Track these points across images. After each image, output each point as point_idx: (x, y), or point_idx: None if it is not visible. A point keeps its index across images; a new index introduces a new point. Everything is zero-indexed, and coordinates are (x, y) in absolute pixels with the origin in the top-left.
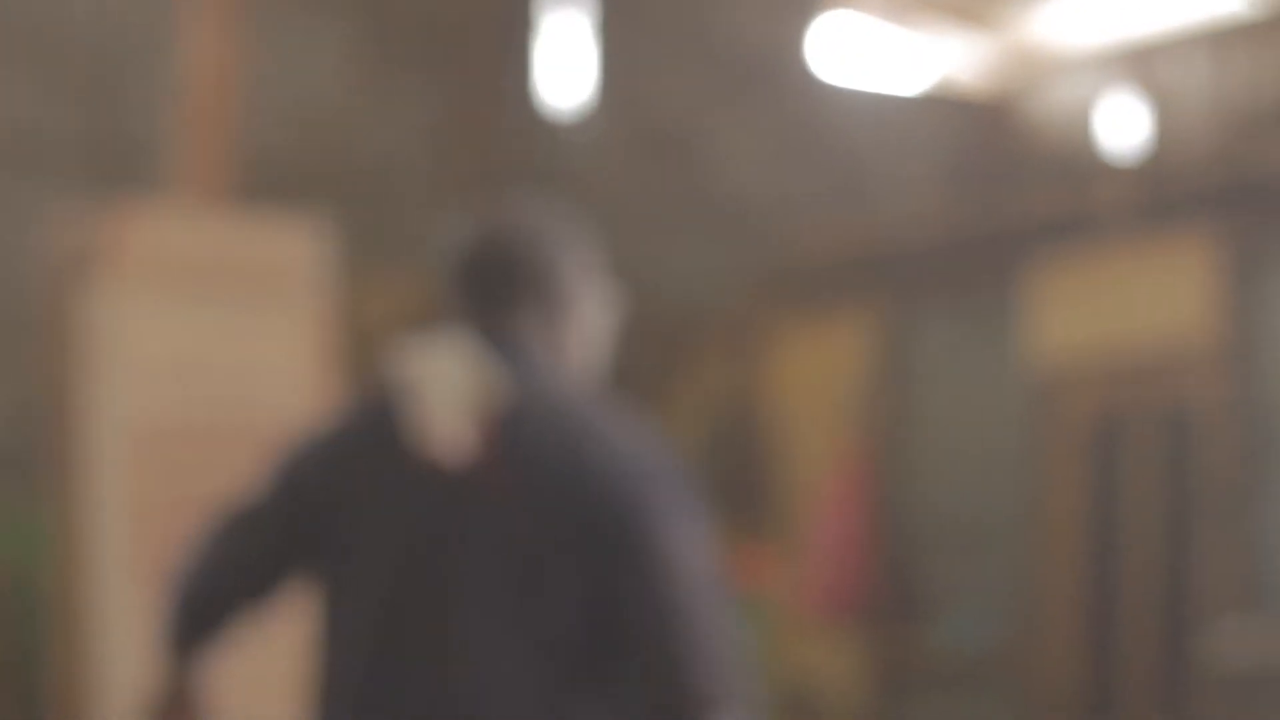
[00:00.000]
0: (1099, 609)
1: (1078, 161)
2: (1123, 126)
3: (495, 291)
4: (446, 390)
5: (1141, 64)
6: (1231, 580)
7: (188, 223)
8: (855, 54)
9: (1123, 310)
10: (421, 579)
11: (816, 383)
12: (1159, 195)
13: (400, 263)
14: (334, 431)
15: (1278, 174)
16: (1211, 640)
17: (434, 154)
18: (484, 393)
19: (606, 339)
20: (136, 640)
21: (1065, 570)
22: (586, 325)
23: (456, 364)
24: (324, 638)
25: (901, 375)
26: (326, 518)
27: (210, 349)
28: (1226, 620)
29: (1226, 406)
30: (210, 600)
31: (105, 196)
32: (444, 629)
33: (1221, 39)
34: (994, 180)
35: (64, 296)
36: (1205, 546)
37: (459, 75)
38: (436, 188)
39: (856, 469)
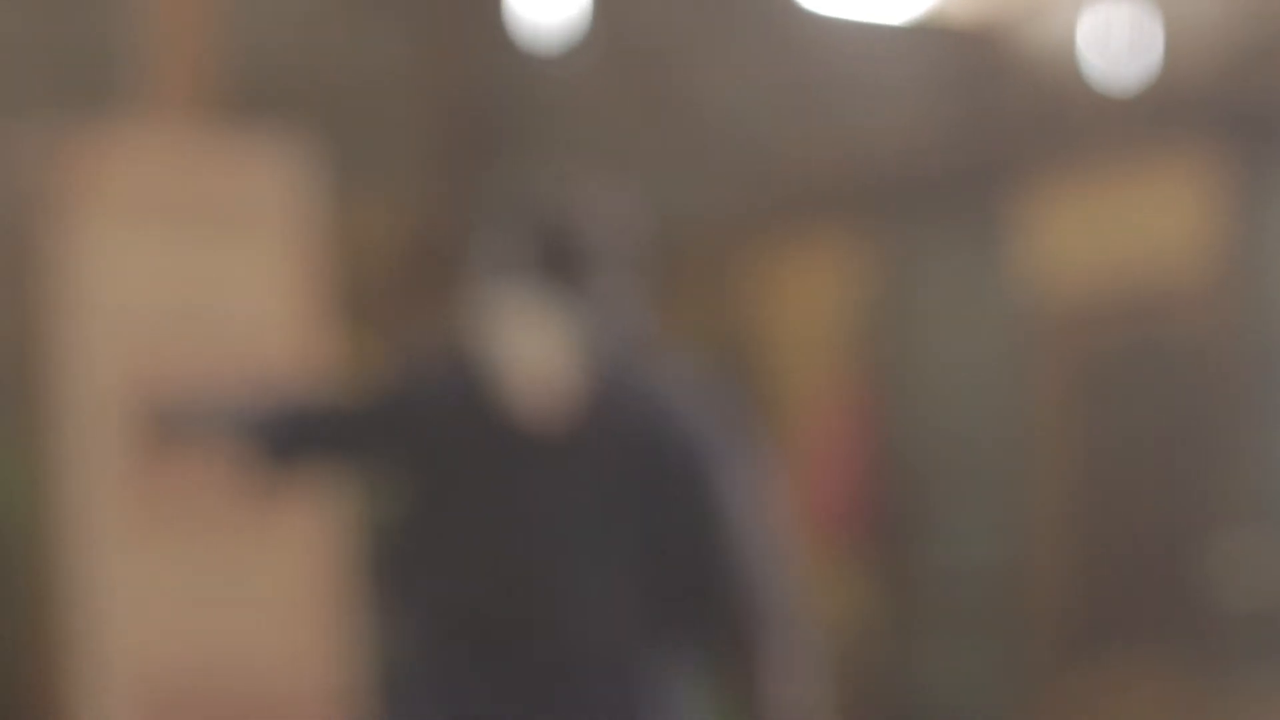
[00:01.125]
0: (1096, 536)
1: (1074, 88)
2: (1122, 51)
3: (572, 268)
4: (539, 359)
5: None
6: (1228, 507)
7: (164, 150)
8: None
9: (1121, 237)
10: (522, 528)
11: (811, 313)
12: (1158, 121)
13: (383, 189)
14: (430, 379)
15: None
16: (1207, 567)
17: (415, 83)
18: (571, 362)
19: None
20: (111, 581)
21: (1062, 499)
22: (635, 290)
23: (545, 336)
24: (405, 563)
25: (896, 307)
26: (418, 450)
27: (189, 283)
28: (1221, 547)
29: (1225, 334)
30: (289, 446)
31: (73, 116)
32: (543, 569)
33: None
34: (988, 109)
35: (30, 232)
36: (1203, 472)
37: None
38: (418, 117)
39: (852, 401)
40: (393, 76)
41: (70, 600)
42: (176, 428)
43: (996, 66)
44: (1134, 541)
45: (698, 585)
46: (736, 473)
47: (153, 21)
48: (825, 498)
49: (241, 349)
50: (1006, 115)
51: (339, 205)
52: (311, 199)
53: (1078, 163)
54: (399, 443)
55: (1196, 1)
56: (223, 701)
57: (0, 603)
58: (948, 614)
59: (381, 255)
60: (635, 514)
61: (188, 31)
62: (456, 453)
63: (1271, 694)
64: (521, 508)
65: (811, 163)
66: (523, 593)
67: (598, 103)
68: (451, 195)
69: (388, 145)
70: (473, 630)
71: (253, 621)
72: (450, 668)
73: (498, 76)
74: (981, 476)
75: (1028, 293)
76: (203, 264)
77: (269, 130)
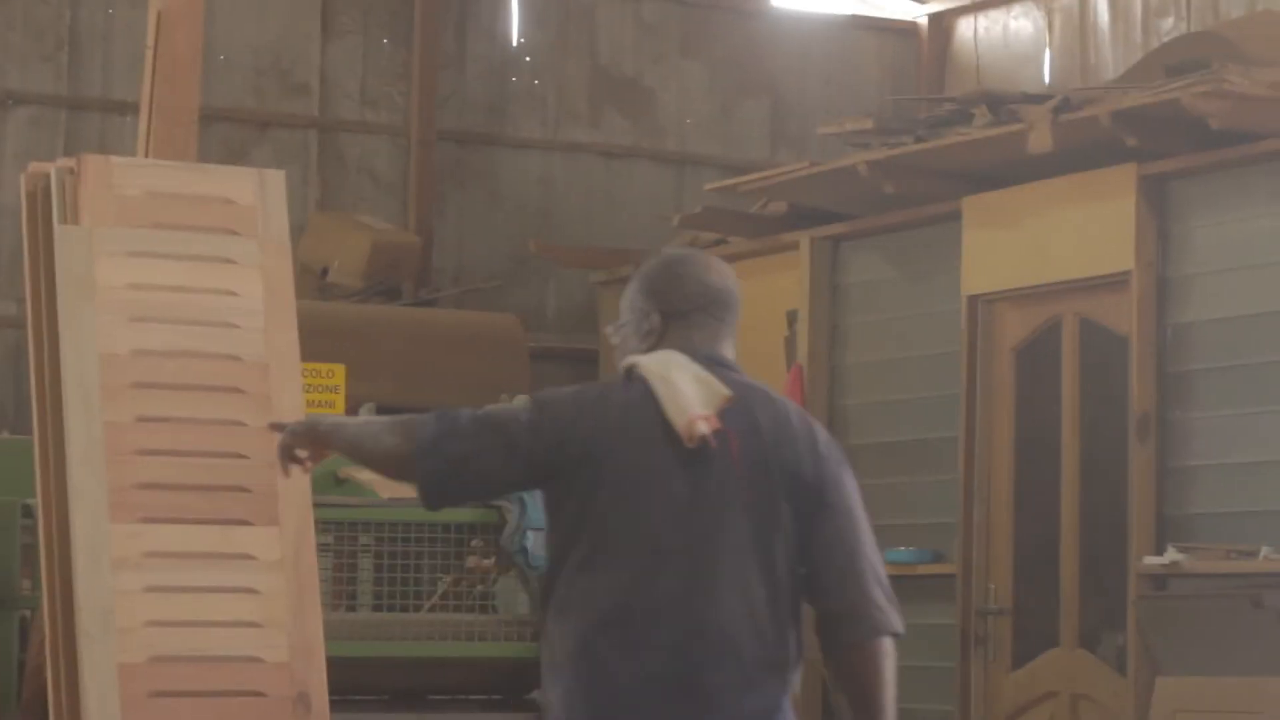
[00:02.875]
0: (1033, 525)
1: (1010, 87)
2: (1052, 55)
3: (712, 317)
4: (691, 390)
5: None
6: (1157, 499)
7: (152, 169)
8: None
9: (1053, 240)
10: (677, 526)
11: (758, 312)
12: (1089, 126)
13: (351, 202)
14: (594, 399)
15: (1200, 110)
16: (1140, 560)
17: (385, 85)
18: (715, 391)
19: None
20: (109, 562)
21: (1000, 488)
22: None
23: (695, 376)
24: (574, 569)
25: (840, 303)
26: (583, 469)
27: (174, 290)
28: (1152, 540)
29: (1149, 332)
30: (448, 486)
31: (76, 145)
32: (694, 562)
33: None
34: (927, 104)
35: (38, 235)
36: (1133, 466)
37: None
38: (387, 118)
39: (795, 398)
40: (361, 82)
41: (69, 565)
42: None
43: (936, 62)
44: (1070, 527)
45: (817, 566)
46: (846, 479)
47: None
48: None
49: (220, 346)
50: (947, 111)
51: (311, 215)
52: (283, 211)
53: (1014, 163)
54: (566, 467)
55: (1123, 6)
56: (210, 671)
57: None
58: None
59: (350, 261)
60: (766, 503)
61: (177, 76)
62: (624, 456)
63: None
64: (674, 505)
65: (761, 159)
66: (674, 579)
67: (562, 104)
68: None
69: (355, 150)
70: (627, 616)
71: (237, 602)
72: (606, 652)
73: (469, 79)
74: (922, 465)
75: (966, 290)
76: (185, 269)
77: (244, 149)
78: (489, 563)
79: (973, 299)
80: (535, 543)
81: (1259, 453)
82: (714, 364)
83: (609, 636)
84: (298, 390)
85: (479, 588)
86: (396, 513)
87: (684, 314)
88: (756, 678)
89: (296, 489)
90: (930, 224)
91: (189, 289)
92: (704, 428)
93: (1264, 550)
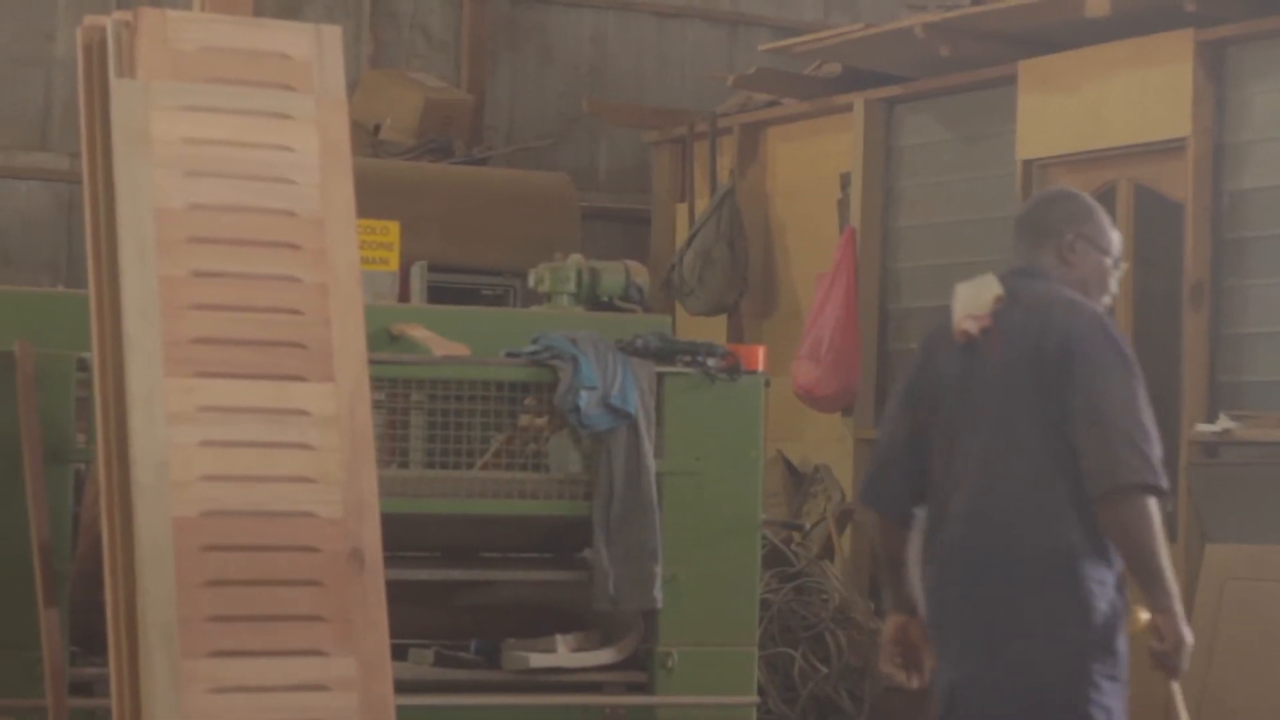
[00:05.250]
0: None
1: None
2: None
3: (1022, 239)
4: (969, 298)
5: None
6: (1210, 366)
7: (208, 24)
8: None
9: (1109, 105)
10: (961, 414)
11: (811, 175)
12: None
13: (404, 59)
14: (930, 334)
15: None
16: (1192, 427)
17: None
18: (986, 296)
19: (1103, 284)
20: (163, 416)
21: None
22: (1087, 269)
23: (981, 283)
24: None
25: (894, 166)
26: (931, 398)
27: (229, 144)
28: (1205, 408)
29: (1204, 199)
30: (906, 515)
31: None
32: (972, 446)
33: None
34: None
35: (94, 89)
36: (1186, 333)
37: None
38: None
39: (847, 261)
40: None
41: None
42: None
43: None
44: None
45: (1071, 433)
46: (1099, 363)
47: None
48: (819, 358)
49: (276, 202)
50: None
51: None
52: (339, 69)
53: (1070, 30)
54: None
55: None
56: (264, 526)
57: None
58: None
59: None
60: (1022, 384)
61: None
62: (937, 368)
63: None
64: (953, 396)
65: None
66: (958, 460)
67: None
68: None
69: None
70: (935, 496)
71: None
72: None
73: None
74: None
75: (1021, 155)
76: (241, 124)
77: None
78: (542, 421)
79: (1027, 163)
80: (588, 402)
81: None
82: (1014, 274)
83: (929, 516)
84: (353, 246)
85: (531, 446)
86: (449, 370)
87: (1015, 241)
88: (1028, 542)
89: (352, 345)
90: (985, 87)
91: (245, 144)
92: (970, 326)
93: None
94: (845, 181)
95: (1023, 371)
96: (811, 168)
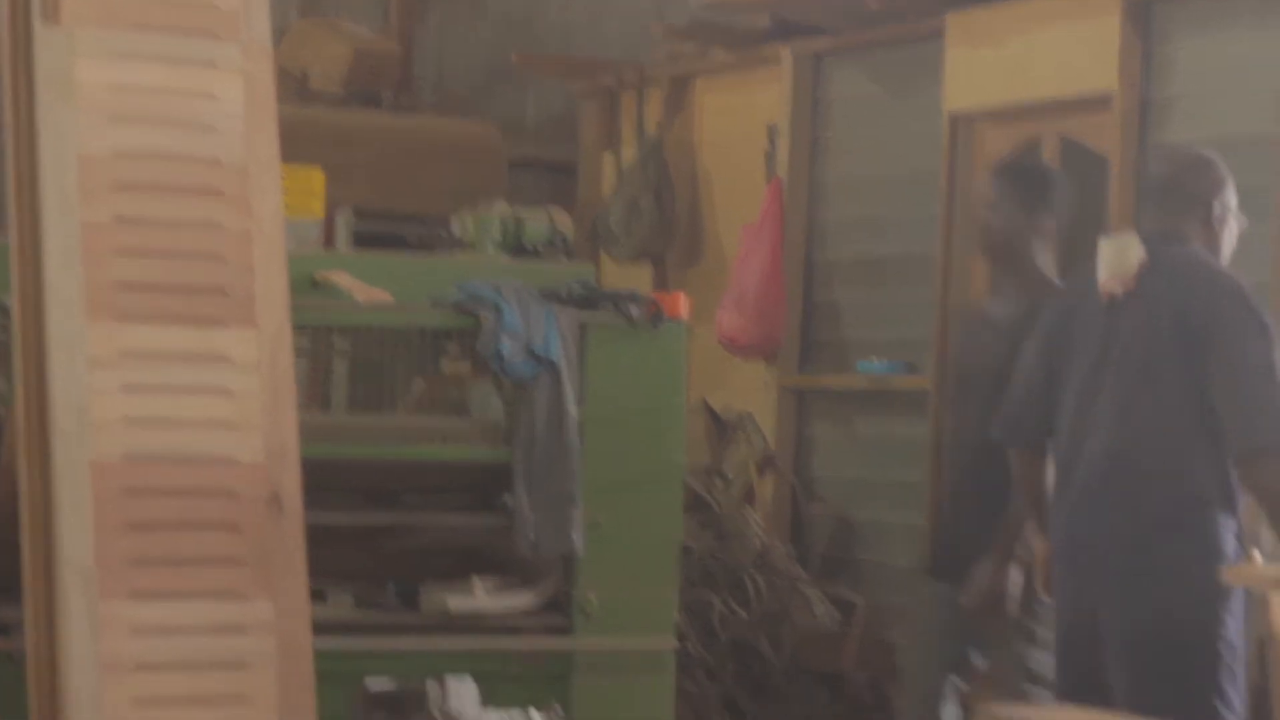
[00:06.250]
0: None
1: None
2: None
3: (1152, 203)
4: (1114, 258)
5: None
6: None
7: None
8: None
9: (1037, 58)
10: (1103, 367)
11: (739, 126)
12: None
13: (332, 8)
14: (1070, 288)
15: None
16: None
17: None
18: (1130, 259)
19: (1232, 245)
20: (84, 360)
21: (977, 304)
22: (1224, 235)
23: (1125, 244)
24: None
25: (821, 118)
26: (1069, 349)
27: (154, 92)
28: None
29: (1130, 153)
30: (1044, 448)
31: None
32: (1113, 396)
33: None
34: None
35: (18, 34)
36: None
37: None
38: None
39: (773, 212)
40: None
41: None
42: None
43: None
44: None
45: (1210, 394)
46: (1236, 325)
47: None
48: (744, 307)
49: (199, 150)
50: None
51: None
52: (266, 14)
53: None
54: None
55: None
56: (184, 470)
57: None
58: (859, 410)
59: (330, 71)
60: (1161, 345)
61: None
62: (1078, 320)
63: None
64: (1093, 351)
65: None
66: (1093, 412)
67: None
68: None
69: None
70: (1066, 442)
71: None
72: (1069, 482)
73: None
74: (900, 280)
75: (947, 107)
76: (166, 71)
77: None
78: (464, 367)
79: (954, 116)
80: (510, 349)
81: (1242, 274)
82: (1157, 238)
83: (1061, 457)
84: (277, 194)
85: (453, 392)
86: (372, 316)
87: (1141, 203)
88: (1163, 487)
89: (274, 291)
90: (913, 41)
91: (170, 91)
92: (1115, 287)
93: None
94: (773, 133)
95: (1166, 333)
96: (739, 119)
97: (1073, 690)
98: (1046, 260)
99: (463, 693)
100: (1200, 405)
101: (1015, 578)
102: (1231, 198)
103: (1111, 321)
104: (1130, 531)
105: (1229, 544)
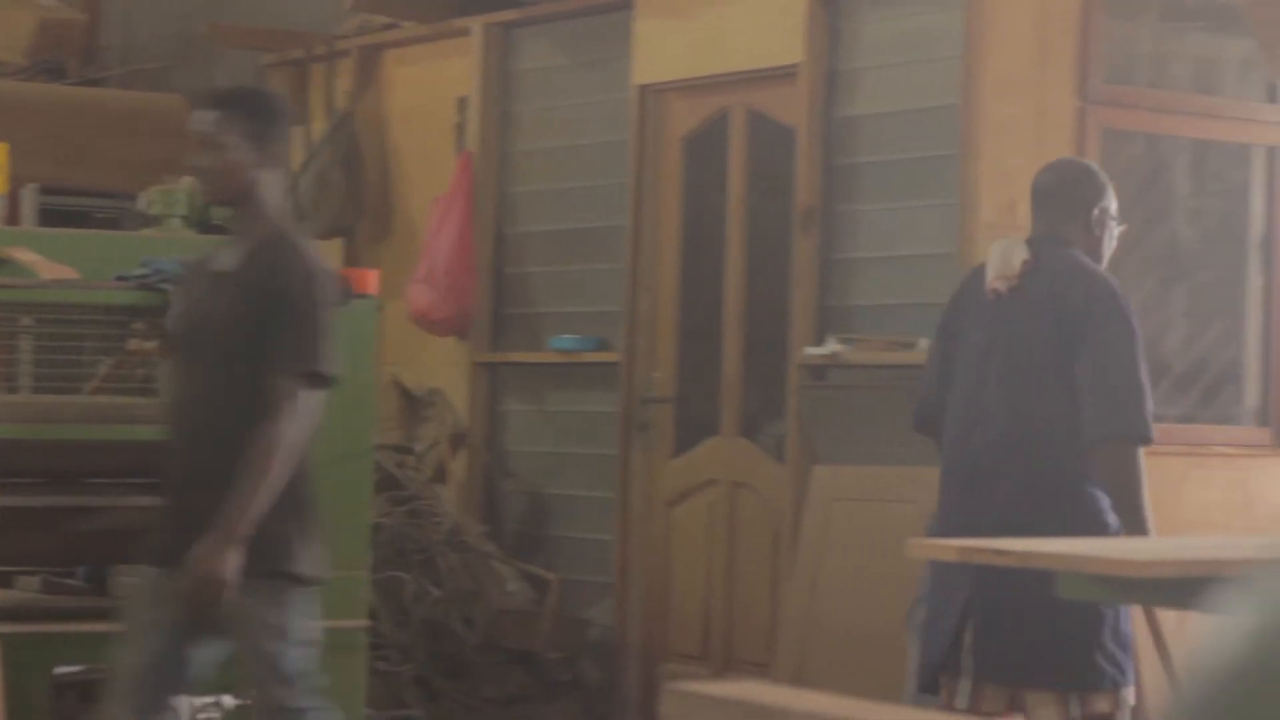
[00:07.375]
0: (697, 315)
1: None
2: None
3: (1039, 209)
4: (999, 259)
5: None
6: (819, 290)
7: None
8: None
9: (725, 31)
10: (989, 360)
11: (428, 99)
12: None
13: None
14: (963, 288)
15: None
16: (801, 350)
17: None
18: (1016, 259)
19: (1111, 246)
20: None
21: (666, 278)
22: (1104, 238)
23: (1010, 246)
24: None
25: (511, 90)
26: (958, 343)
27: None
28: (814, 331)
29: (816, 125)
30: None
31: None
32: (1000, 386)
33: None
34: None
35: None
36: (796, 257)
37: None
38: None
39: (464, 185)
40: None
41: None
42: None
43: None
44: (734, 316)
45: (1077, 385)
46: (1107, 320)
47: None
48: (434, 283)
49: None
50: None
51: None
52: None
53: None
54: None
55: None
56: None
57: None
58: (555, 385)
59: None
60: (1040, 339)
61: None
62: (964, 313)
63: None
64: (976, 348)
65: None
66: (974, 403)
67: None
68: None
69: None
70: (951, 430)
71: None
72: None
73: None
74: (589, 254)
75: (636, 80)
76: None
77: None
78: (152, 346)
79: (643, 88)
80: None
81: (919, 246)
82: (1041, 241)
83: (948, 443)
84: None
85: (141, 371)
86: (57, 294)
87: (1032, 208)
88: (1049, 470)
89: None
90: (603, 12)
91: None
92: (1001, 285)
93: (921, 342)
94: (463, 106)
95: (1047, 329)
96: (429, 92)
97: (931, 667)
98: (278, 196)
99: None
100: (1074, 394)
101: (236, 562)
102: (1111, 204)
103: (998, 316)
104: (1019, 510)
105: (1112, 520)
